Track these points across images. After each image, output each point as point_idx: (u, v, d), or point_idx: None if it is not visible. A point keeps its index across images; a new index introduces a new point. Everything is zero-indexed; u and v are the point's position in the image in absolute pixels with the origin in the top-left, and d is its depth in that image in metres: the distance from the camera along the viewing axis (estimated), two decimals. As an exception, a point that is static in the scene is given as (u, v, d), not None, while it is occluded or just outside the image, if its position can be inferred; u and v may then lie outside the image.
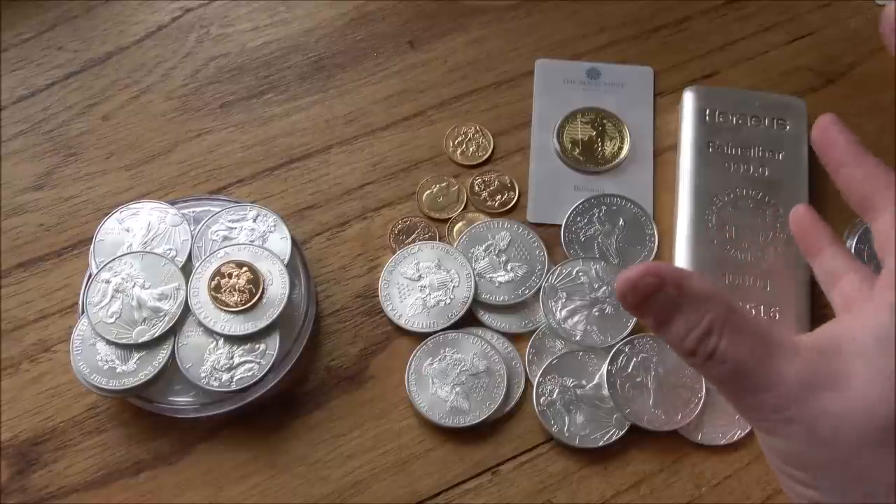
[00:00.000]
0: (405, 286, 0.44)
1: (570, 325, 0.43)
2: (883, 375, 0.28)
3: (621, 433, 0.41)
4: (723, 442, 0.42)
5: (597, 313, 0.44)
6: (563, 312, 0.44)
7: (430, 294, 0.44)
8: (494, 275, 0.45)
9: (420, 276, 0.44)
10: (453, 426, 0.41)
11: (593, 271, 0.45)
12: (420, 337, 0.44)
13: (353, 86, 0.50)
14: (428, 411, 0.42)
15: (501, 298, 0.44)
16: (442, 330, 0.43)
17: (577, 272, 0.44)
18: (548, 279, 0.44)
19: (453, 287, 0.44)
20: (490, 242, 0.45)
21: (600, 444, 0.41)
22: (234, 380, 0.40)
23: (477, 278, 0.44)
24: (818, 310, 0.44)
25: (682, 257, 0.44)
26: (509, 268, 0.45)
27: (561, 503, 0.41)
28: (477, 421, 0.41)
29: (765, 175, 0.46)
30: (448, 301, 0.44)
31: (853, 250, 0.44)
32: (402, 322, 0.44)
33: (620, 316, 0.44)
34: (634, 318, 0.44)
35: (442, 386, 0.42)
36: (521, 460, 0.41)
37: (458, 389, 0.42)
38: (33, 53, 0.51)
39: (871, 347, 0.28)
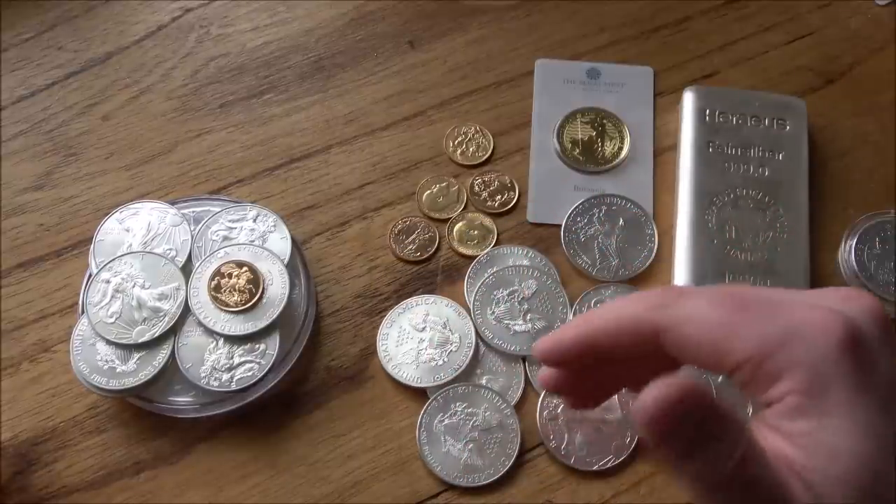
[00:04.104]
0: (406, 332, 0.43)
1: None
2: None
3: (616, 461, 0.41)
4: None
5: None
6: None
7: (426, 349, 0.43)
8: (511, 322, 0.43)
9: (424, 328, 0.43)
10: (469, 486, 0.40)
11: (606, 299, 0.44)
12: (399, 385, 0.43)
13: (353, 86, 0.50)
14: (442, 471, 0.41)
15: (513, 348, 0.43)
16: (423, 386, 0.42)
17: (595, 304, 0.44)
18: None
19: (450, 351, 0.43)
20: (515, 288, 0.44)
21: (594, 468, 0.41)
22: (234, 380, 0.40)
23: (493, 322, 0.43)
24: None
25: (682, 257, 0.44)
26: (528, 318, 0.44)
27: (561, 503, 0.41)
28: (492, 479, 0.41)
29: (765, 175, 0.46)
30: (440, 363, 0.42)
31: (853, 250, 0.44)
32: (388, 366, 0.43)
33: None
34: None
35: (455, 443, 0.41)
36: (521, 460, 0.41)
37: (471, 446, 0.41)
38: (33, 53, 0.51)
39: None
